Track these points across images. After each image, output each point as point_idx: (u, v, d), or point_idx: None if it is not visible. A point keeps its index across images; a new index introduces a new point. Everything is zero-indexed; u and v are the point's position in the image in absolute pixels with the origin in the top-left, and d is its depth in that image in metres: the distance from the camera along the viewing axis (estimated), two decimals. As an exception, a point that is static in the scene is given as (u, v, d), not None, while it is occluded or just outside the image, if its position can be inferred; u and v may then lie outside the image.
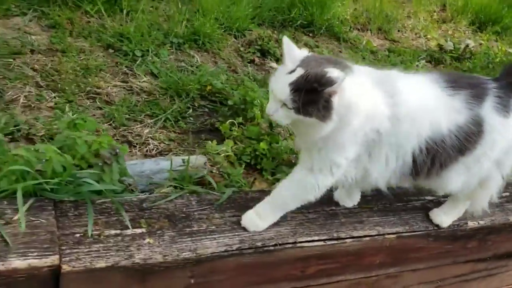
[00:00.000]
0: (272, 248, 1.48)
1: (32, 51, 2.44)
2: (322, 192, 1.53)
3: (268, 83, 1.44)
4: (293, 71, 1.38)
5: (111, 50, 2.66)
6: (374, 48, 3.80)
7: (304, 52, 1.46)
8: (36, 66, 2.34)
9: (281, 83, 1.38)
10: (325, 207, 1.68)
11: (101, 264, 1.26)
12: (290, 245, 1.51)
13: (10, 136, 1.82)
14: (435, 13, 5.02)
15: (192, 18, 3.14)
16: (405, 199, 1.85)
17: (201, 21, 3.10)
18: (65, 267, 1.22)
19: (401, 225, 1.72)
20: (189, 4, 3.30)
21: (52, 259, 1.21)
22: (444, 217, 1.79)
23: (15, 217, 1.31)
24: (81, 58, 2.50)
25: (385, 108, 1.47)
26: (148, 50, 2.70)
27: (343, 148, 1.47)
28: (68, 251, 1.26)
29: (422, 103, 1.52)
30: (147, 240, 1.36)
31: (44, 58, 2.44)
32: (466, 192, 1.70)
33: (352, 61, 1.57)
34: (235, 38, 3.29)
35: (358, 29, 4.08)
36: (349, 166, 1.52)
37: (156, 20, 3.04)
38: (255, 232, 1.52)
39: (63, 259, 1.23)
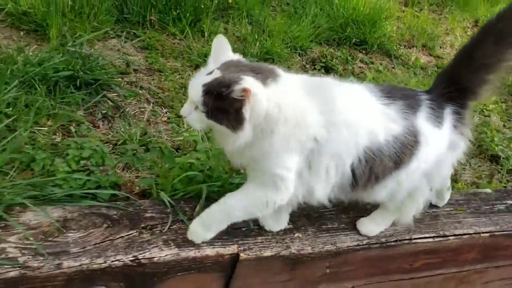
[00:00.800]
0: (393, 243, 1.72)
1: (135, 71, 2.73)
2: (273, 208, 1.47)
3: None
4: (211, 72, 1.34)
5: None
6: (423, 64, 4.06)
7: (232, 56, 1.41)
8: (142, 84, 2.62)
9: (196, 83, 1.33)
10: (427, 209, 1.92)
11: (267, 253, 1.51)
12: (407, 241, 1.75)
13: (144, 147, 2.09)
14: (468, 29, 5.28)
15: (261, 39, 3.43)
16: (490, 203, 2.09)
17: (270, 41, 3.38)
18: (242, 255, 1.48)
19: (492, 225, 1.95)
20: (257, 26, 3.59)
21: (233, 248, 1.48)
22: (372, 227, 1.74)
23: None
24: (177, 77, 2.78)
25: (320, 115, 1.41)
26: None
27: (278, 157, 1.39)
28: (241, 242, 1.52)
29: (358, 109, 1.48)
30: (297, 234, 1.62)
31: (146, 77, 2.72)
32: (395, 204, 1.67)
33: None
34: (300, 56, 3.56)
35: (405, 46, 4.35)
36: (297, 183, 1.45)
37: (232, 41, 3.33)
38: (203, 243, 1.48)
39: (239, 249, 1.49)
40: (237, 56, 1.42)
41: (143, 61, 2.86)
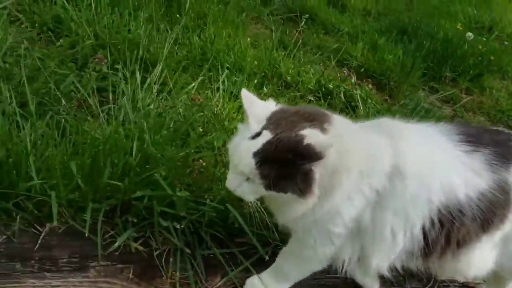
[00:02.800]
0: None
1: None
2: (328, 261, 1.35)
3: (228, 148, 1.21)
4: (258, 134, 1.14)
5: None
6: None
7: (270, 106, 1.22)
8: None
9: (243, 151, 1.13)
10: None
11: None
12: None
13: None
14: None
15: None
16: None
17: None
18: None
19: None
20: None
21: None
22: None
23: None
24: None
25: (384, 163, 1.22)
26: None
27: (339, 215, 1.23)
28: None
29: (430, 158, 1.26)
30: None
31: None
32: (508, 270, 1.43)
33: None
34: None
35: None
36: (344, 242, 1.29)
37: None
38: None
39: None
40: (273, 104, 1.24)
41: (451, 113, 3.47)
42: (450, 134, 1.30)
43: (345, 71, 3.32)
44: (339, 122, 1.24)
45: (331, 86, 2.86)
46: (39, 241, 1.43)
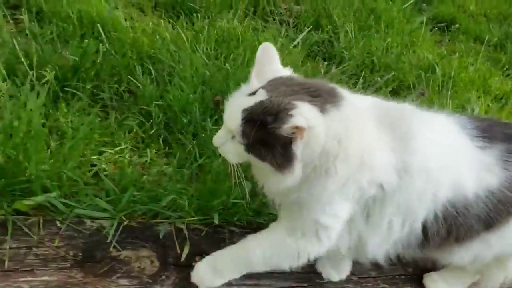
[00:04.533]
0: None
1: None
2: (304, 262, 1.27)
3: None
4: (254, 93, 1.11)
5: None
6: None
7: (281, 70, 1.18)
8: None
9: (234, 106, 1.10)
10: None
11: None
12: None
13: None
14: None
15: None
16: None
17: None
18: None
19: None
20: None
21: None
22: (441, 285, 1.56)
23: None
24: None
25: (392, 155, 1.16)
26: None
27: (330, 204, 1.18)
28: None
29: (444, 152, 1.22)
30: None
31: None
32: (477, 267, 1.44)
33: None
34: None
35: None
36: (342, 232, 1.23)
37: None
38: None
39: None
40: (288, 71, 1.19)
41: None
42: (466, 128, 1.26)
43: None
44: (349, 106, 1.16)
45: None
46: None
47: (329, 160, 1.12)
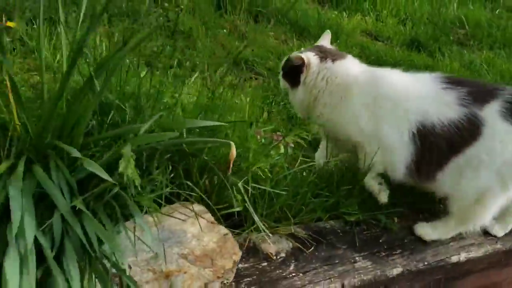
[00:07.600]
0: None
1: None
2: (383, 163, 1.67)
3: None
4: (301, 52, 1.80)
5: None
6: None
7: (326, 44, 1.86)
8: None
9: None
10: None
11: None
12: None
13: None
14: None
15: None
16: None
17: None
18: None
19: None
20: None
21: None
22: (427, 229, 1.69)
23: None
24: None
25: (364, 89, 1.69)
26: None
27: (357, 118, 1.67)
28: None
29: (408, 89, 1.65)
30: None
31: None
32: (460, 205, 1.61)
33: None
34: None
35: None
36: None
37: None
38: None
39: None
40: (328, 45, 1.86)
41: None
42: (437, 79, 1.66)
43: None
44: (343, 64, 1.77)
45: None
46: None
47: (340, 90, 1.72)
